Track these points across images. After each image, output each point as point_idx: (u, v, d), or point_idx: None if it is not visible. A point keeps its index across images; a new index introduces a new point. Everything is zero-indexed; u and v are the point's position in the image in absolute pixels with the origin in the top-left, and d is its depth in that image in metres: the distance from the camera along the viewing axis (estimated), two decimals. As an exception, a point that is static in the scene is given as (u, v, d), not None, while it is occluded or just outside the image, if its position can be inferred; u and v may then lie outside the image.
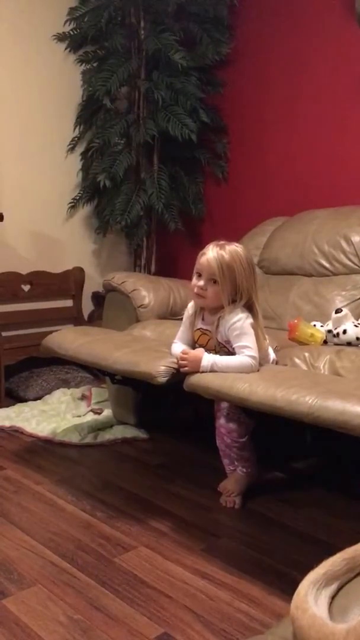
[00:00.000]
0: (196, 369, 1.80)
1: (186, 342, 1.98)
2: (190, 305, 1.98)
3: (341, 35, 3.00)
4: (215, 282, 1.82)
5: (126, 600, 1.49)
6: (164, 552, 1.72)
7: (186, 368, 1.82)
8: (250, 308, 1.87)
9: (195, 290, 1.86)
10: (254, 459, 2.00)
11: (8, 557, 1.68)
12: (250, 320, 1.84)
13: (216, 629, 1.39)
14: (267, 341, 1.96)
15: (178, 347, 1.94)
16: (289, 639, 0.73)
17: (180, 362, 1.84)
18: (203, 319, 1.94)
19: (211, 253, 1.81)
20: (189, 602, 1.49)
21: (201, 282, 1.84)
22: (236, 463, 2.00)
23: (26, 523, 1.87)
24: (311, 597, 0.76)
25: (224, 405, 1.94)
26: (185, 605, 1.48)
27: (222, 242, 1.85)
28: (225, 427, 1.95)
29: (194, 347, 1.94)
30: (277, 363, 2.03)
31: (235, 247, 1.84)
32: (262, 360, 1.87)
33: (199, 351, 1.84)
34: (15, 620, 1.41)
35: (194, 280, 1.87)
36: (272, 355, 2.00)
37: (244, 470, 2.00)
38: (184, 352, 1.85)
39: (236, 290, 1.82)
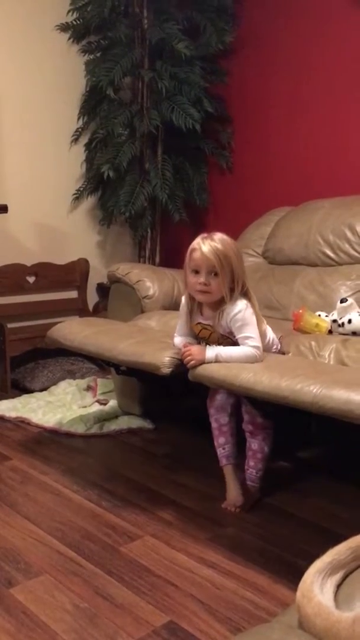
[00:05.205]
0: (200, 361, 1.80)
1: (186, 335, 1.96)
2: (184, 298, 1.94)
3: (346, 24, 2.97)
4: (216, 274, 1.78)
5: (132, 589, 1.50)
6: (170, 541, 1.73)
7: (192, 362, 1.80)
8: (246, 294, 1.86)
9: (198, 287, 1.80)
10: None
11: (15, 547, 1.69)
12: (250, 309, 1.82)
13: (222, 617, 1.40)
14: (265, 323, 1.94)
15: (179, 341, 1.94)
16: (295, 627, 0.73)
17: (186, 358, 1.81)
18: (202, 314, 1.91)
19: (205, 247, 1.77)
20: (194, 590, 1.50)
21: (202, 279, 1.79)
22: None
23: (33, 513, 1.89)
24: (317, 585, 0.76)
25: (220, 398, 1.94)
26: (191, 594, 1.49)
27: (207, 234, 1.81)
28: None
29: (197, 341, 1.93)
30: (283, 353, 2.02)
31: (222, 236, 1.81)
32: (264, 345, 1.86)
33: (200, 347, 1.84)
34: (22, 609, 1.43)
35: (192, 277, 1.82)
36: (276, 343, 2.00)
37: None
38: (185, 346, 1.85)
39: (233, 278, 1.81)
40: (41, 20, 3.38)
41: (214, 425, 1.99)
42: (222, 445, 1.98)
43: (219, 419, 1.98)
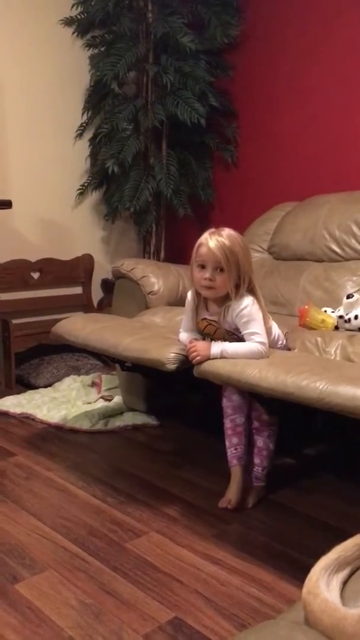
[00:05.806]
0: (206, 357, 1.79)
1: (192, 331, 1.95)
2: (190, 293, 1.94)
3: (353, 16, 2.95)
4: (221, 270, 1.78)
5: (137, 585, 1.50)
6: (175, 538, 1.73)
7: (198, 358, 1.79)
8: (252, 291, 1.85)
9: (203, 283, 1.81)
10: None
11: (20, 543, 1.69)
12: (256, 305, 1.82)
13: (227, 614, 1.40)
14: (271, 319, 1.93)
15: (184, 337, 1.93)
16: (301, 623, 0.73)
17: (191, 354, 1.81)
18: (207, 309, 1.90)
19: (212, 242, 1.77)
20: (200, 587, 1.50)
21: (207, 274, 1.79)
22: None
23: (38, 509, 1.89)
24: (323, 582, 0.76)
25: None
26: (197, 590, 1.48)
27: (215, 230, 1.81)
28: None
29: (202, 337, 1.92)
30: (289, 349, 2.01)
31: (230, 231, 1.81)
32: (270, 341, 1.85)
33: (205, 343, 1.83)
34: (28, 604, 1.43)
35: (197, 272, 1.82)
36: (282, 339, 1.99)
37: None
38: (190, 342, 1.84)
39: (239, 274, 1.80)
40: (45, 15, 3.36)
41: (228, 425, 1.93)
42: (235, 445, 1.93)
43: (235, 419, 1.92)
